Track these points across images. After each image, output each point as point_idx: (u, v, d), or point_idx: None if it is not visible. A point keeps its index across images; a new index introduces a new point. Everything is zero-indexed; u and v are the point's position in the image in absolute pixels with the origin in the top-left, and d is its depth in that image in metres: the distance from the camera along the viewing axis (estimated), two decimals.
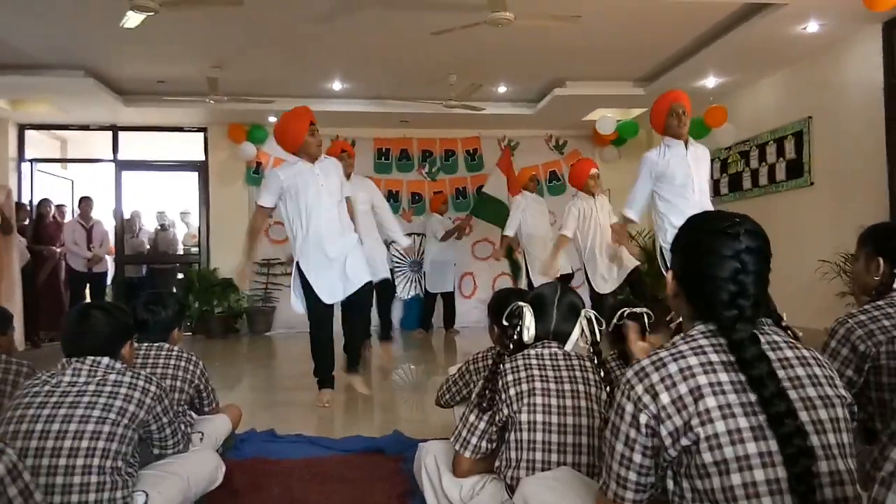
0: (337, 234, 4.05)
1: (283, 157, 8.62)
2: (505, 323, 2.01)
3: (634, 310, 2.42)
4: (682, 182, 4.12)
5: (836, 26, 5.57)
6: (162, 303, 2.62)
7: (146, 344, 2.53)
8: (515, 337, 1.95)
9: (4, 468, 1.30)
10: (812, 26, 5.55)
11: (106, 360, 1.92)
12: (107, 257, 8.30)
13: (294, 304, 4.19)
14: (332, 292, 4.05)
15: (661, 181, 4.20)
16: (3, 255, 4.52)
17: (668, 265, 1.38)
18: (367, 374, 5.07)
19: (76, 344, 1.93)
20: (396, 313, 8.47)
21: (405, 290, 8.92)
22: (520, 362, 1.87)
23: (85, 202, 8.05)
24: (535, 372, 1.84)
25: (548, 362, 1.87)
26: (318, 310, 4.07)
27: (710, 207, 4.02)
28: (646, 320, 2.40)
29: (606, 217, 5.78)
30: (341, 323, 4.31)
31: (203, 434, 2.48)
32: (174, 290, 9.11)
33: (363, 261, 4.19)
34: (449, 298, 8.17)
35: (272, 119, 8.43)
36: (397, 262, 8.77)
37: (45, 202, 8.04)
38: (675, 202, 4.13)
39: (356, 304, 4.15)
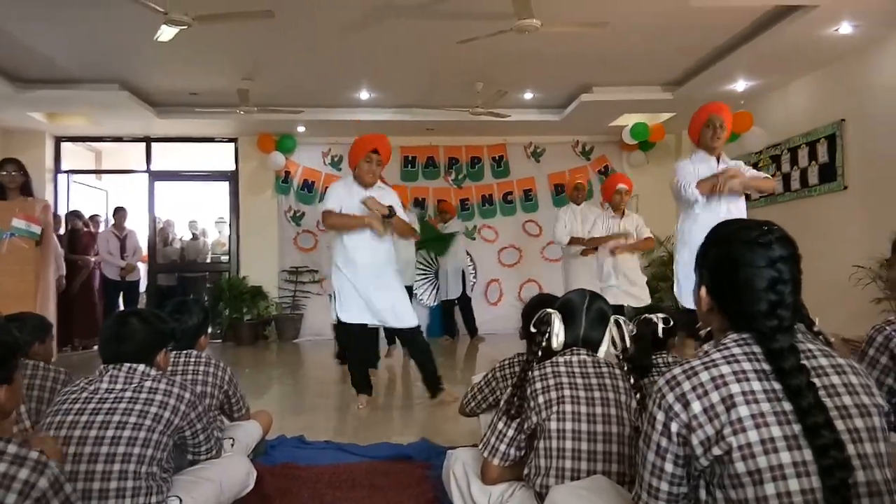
0: (378, 265, 4.19)
1: (312, 167, 8.90)
2: (533, 330, 2.00)
3: (650, 316, 2.39)
4: (710, 198, 3.92)
5: (870, 27, 5.46)
6: (188, 310, 2.67)
7: (174, 352, 2.58)
8: (544, 344, 1.94)
9: (47, 482, 1.33)
10: (845, 28, 5.45)
11: (142, 367, 1.95)
12: (140, 266, 8.46)
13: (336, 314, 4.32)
14: (360, 313, 4.21)
15: None
16: (40, 267, 4.65)
17: (699, 281, 1.35)
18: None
19: (113, 350, 1.97)
20: (422, 321, 8.48)
21: (430, 297, 8.93)
22: (548, 369, 1.86)
23: (119, 212, 8.22)
24: (564, 379, 1.83)
25: (577, 369, 1.86)
26: (351, 326, 4.27)
27: (740, 215, 3.89)
28: (660, 327, 2.37)
29: (632, 237, 5.62)
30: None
31: (234, 440, 2.52)
32: (205, 297, 9.27)
33: (405, 304, 4.30)
34: (464, 304, 8.11)
35: (301, 129, 8.55)
36: (422, 270, 8.79)
37: (73, 214, 8.22)
38: (700, 219, 3.90)
39: (405, 336, 4.47)
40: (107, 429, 1.81)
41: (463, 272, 8.10)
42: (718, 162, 4.00)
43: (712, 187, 3.83)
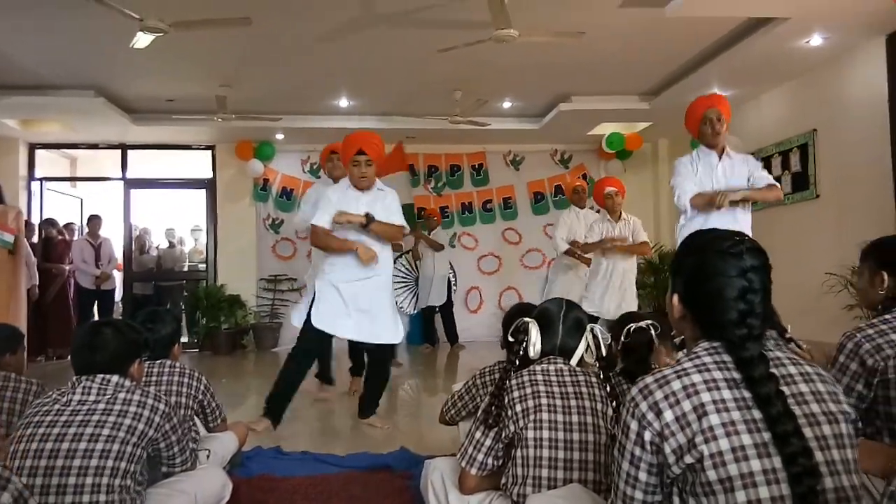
0: (364, 280, 3.78)
1: (291, 175, 8.85)
2: (511, 339, 2.01)
3: (640, 324, 2.40)
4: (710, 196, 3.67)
5: (840, 40, 5.58)
6: (160, 320, 2.64)
7: (148, 362, 2.55)
8: (521, 353, 1.96)
9: (10, 497, 1.30)
10: (816, 40, 5.57)
11: (116, 378, 1.93)
12: (115, 275, 8.35)
13: (293, 318, 4.05)
14: (334, 324, 3.77)
15: None
16: (11, 276, 4.57)
17: (672, 289, 1.37)
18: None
19: (86, 360, 1.94)
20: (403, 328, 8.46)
21: (410, 304, 8.91)
22: (526, 378, 1.87)
23: (93, 220, 8.11)
24: (542, 388, 1.84)
25: (554, 378, 1.88)
26: (311, 331, 3.76)
27: (746, 225, 3.67)
28: (653, 333, 2.38)
29: (627, 241, 5.38)
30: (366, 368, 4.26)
31: (210, 451, 2.49)
32: (182, 306, 9.17)
33: (393, 317, 3.91)
34: (445, 312, 8.10)
35: (280, 136, 8.51)
36: (402, 277, 8.77)
37: (47, 222, 8.10)
38: (700, 218, 3.69)
39: (377, 355, 4.07)
40: (79, 441, 1.78)
41: (449, 279, 8.11)
42: (721, 157, 3.75)
43: (708, 203, 3.62)
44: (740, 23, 5.50)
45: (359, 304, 3.78)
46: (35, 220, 8.32)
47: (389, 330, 3.87)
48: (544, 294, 6.40)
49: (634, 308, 5.34)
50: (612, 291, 5.38)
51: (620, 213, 5.49)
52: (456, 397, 2.72)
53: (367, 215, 3.73)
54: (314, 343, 3.86)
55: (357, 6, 5.03)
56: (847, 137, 6.03)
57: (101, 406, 1.86)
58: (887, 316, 1.98)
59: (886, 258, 2.06)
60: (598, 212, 6.03)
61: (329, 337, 3.92)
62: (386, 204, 3.86)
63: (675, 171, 3.84)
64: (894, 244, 2.12)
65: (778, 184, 3.85)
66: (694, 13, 4.88)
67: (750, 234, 3.49)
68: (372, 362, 4.17)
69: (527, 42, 4.88)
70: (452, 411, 2.72)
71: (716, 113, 3.68)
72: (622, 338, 2.38)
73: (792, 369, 1.24)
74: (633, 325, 2.39)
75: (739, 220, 3.67)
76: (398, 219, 3.86)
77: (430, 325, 8.17)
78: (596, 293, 5.42)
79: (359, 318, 3.80)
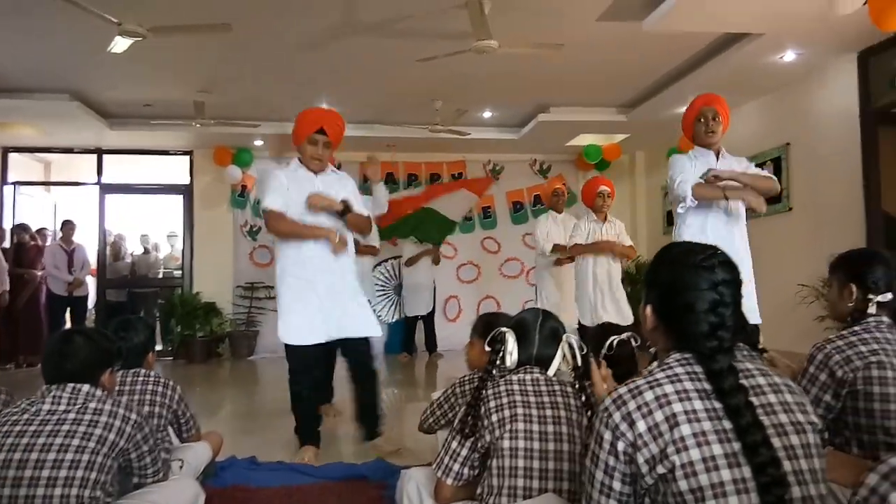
0: (325, 271, 3.41)
1: None
2: (487, 348, 2.02)
3: (622, 337, 2.41)
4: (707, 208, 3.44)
5: (813, 56, 5.71)
6: (133, 328, 2.61)
7: (122, 371, 2.52)
8: (498, 362, 1.96)
9: None
10: (789, 56, 5.68)
11: (86, 387, 1.90)
12: (88, 281, 8.22)
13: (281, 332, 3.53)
14: (312, 332, 3.40)
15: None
16: None
17: (645, 300, 1.39)
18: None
19: (56, 368, 1.92)
20: (380, 337, 8.44)
21: (389, 313, 8.90)
22: (502, 388, 1.87)
23: (67, 226, 7.99)
24: (518, 398, 1.84)
25: (530, 388, 1.88)
26: (294, 351, 3.42)
27: (742, 234, 3.53)
28: (633, 345, 2.40)
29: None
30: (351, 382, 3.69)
31: (183, 461, 2.46)
32: (156, 313, 9.05)
33: (363, 310, 3.54)
34: (428, 321, 8.09)
35: (258, 143, 8.47)
36: (381, 285, 8.76)
37: (19, 227, 7.97)
38: (697, 225, 3.45)
39: (355, 356, 3.57)
40: (48, 452, 1.75)
41: (434, 287, 8.12)
42: (718, 158, 3.53)
43: (712, 194, 3.35)
44: (716, 38, 5.60)
45: (332, 299, 3.41)
46: (7, 225, 8.17)
47: (367, 323, 3.51)
48: (538, 299, 6.23)
49: (629, 311, 5.23)
50: (609, 296, 5.22)
51: (606, 214, 5.37)
52: (435, 406, 2.71)
53: (345, 202, 3.41)
54: (302, 359, 3.45)
55: (338, 15, 5.03)
56: (819, 151, 6.15)
57: (71, 416, 1.83)
58: (856, 328, 2.03)
59: (855, 271, 2.10)
60: (576, 216, 5.92)
61: (315, 348, 3.46)
62: (348, 189, 3.51)
63: (672, 165, 3.56)
64: (862, 257, 2.16)
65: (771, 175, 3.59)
66: (670, 28, 4.96)
67: (747, 246, 3.53)
68: (354, 368, 3.62)
69: (507, 53, 4.92)
70: (431, 419, 2.72)
71: (712, 111, 3.50)
72: (605, 350, 2.39)
73: (761, 380, 1.26)
74: (615, 338, 2.40)
75: (735, 234, 3.50)
76: (365, 210, 3.57)
77: (412, 334, 8.15)
78: (598, 301, 5.20)
79: (332, 316, 3.41)
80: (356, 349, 3.56)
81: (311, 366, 3.51)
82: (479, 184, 9.19)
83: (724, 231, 3.44)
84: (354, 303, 3.51)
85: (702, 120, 3.52)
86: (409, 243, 8.11)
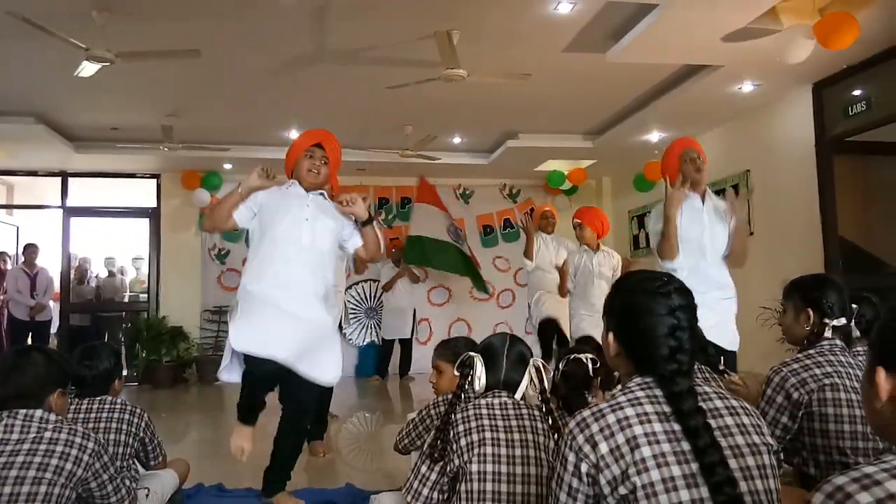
0: (301, 302, 2.94)
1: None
2: (456, 373, 2.04)
3: (580, 356, 2.47)
4: (697, 242, 3.36)
5: (770, 87, 5.92)
6: (97, 355, 2.56)
7: (88, 399, 2.48)
8: (466, 387, 1.99)
9: None
10: (747, 86, 5.89)
11: (39, 413, 1.85)
12: (51, 305, 8.04)
13: (225, 372, 3.04)
14: (265, 341, 2.84)
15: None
16: None
17: (606, 327, 1.44)
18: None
19: (5, 385, 1.86)
20: (351, 360, 8.39)
21: (360, 336, 8.87)
22: (471, 412, 1.90)
23: (30, 249, 7.83)
24: (486, 422, 1.87)
25: (498, 412, 1.91)
26: (254, 362, 2.88)
27: (727, 280, 3.51)
28: (590, 367, 2.45)
29: (607, 274, 5.13)
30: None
31: (149, 490, 2.43)
32: (122, 337, 8.88)
33: (331, 356, 3.05)
34: (406, 345, 8.14)
35: (227, 166, 8.43)
36: (352, 308, 8.73)
37: None
38: (685, 267, 3.29)
39: (297, 393, 3.01)
40: (3, 485, 1.70)
41: (414, 310, 8.19)
42: (703, 201, 3.44)
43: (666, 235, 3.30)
44: (677, 69, 5.78)
45: (299, 325, 2.91)
46: None
47: (335, 366, 3.05)
48: (535, 313, 5.98)
49: None
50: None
51: (599, 245, 5.28)
52: (410, 426, 2.71)
53: (370, 209, 3.09)
54: (261, 375, 2.89)
55: (307, 42, 5.08)
56: (778, 178, 6.35)
57: (26, 446, 1.78)
58: (811, 351, 2.09)
59: (811, 297, 2.16)
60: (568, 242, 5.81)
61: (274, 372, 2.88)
62: (341, 219, 3.10)
63: (653, 216, 3.49)
64: (817, 283, 2.23)
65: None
66: (632, 59, 5.11)
67: (732, 288, 3.54)
68: (288, 410, 3.09)
69: (475, 82, 5.02)
70: (406, 440, 2.71)
71: (696, 152, 3.44)
72: (561, 364, 2.44)
73: (718, 403, 1.31)
74: (571, 355, 2.45)
75: (724, 283, 3.49)
76: (358, 240, 3.13)
77: (388, 358, 8.14)
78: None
79: (294, 340, 2.89)
80: (304, 390, 3.01)
81: (263, 377, 2.91)
82: (430, 194, 9.15)
83: (703, 278, 3.29)
84: (327, 341, 3.04)
85: (689, 161, 3.41)
86: (386, 267, 8.16)
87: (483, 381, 2.00)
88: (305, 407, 3.10)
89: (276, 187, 3.10)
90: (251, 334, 2.85)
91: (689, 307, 1.34)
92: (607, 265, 5.20)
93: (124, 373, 7.92)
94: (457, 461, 1.82)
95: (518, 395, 2.00)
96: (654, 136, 7.44)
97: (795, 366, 2.06)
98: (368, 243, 3.09)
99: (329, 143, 3.17)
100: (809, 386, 2.00)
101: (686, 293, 1.35)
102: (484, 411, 1.90)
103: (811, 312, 2.15)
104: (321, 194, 3.13)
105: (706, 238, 3.37)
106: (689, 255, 3.32)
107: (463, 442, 1.83)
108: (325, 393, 3.63)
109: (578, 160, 8.62)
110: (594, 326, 4.89)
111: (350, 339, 8.47)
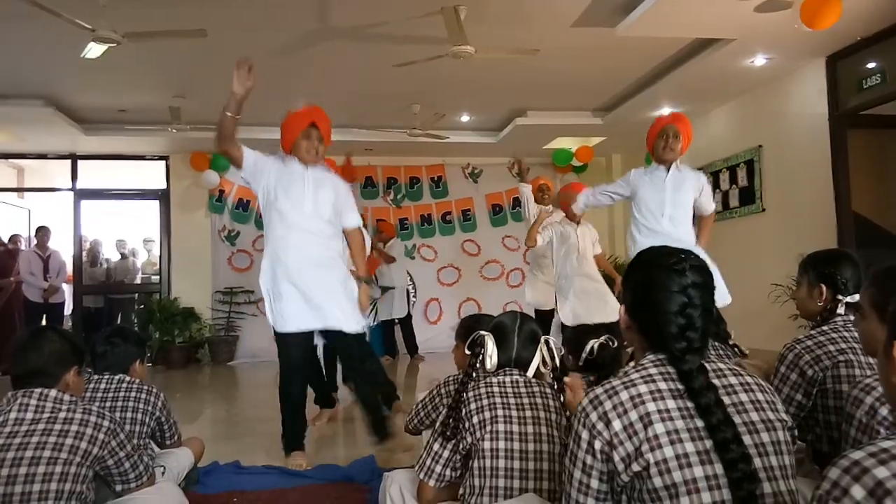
0: (311, 262, 3.31)
1: (247, 186, 8.73)
2: (468, 352, 2.05)
3: (601, 340, 2.45)
4: (652, 208, 3.86)
5: (783, 60, 5.83)
6: (122, 335, 2.62)
7: (107, 376, 2.51)
8: (478, 365, 1.99)
9: None
10: (759, 60, 5.80)
11: (53, 392, 1.85)
12: (64, 287, 8.12)
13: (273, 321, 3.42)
14: (297, 319, 3.30)
15: (634, 202, 3.98)
16: None
17: (621, 300, 1.44)
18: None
19: (22, 362, 1.88)
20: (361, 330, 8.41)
21: (369, 317, 8.90)
22: (482, 390, 1.90)
23: (42, 232, 7.89)
24: (498, 399, 1.87)
25: (510, 390, 1.91)
26: (286, 344, 3.35)
27: (686, 239, 3.79)
28: (612, 346, 2.44)
29: (588, 246, 5.30)
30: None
31: (165, 468, 2.46)
32: (134, 319, 8.96)
33: (350, 305, 3.41)
34: (405, 323, 8.11)
35: None
36: None
37: None
38: (644, 228, 3.89)
39: (345, 349, 3.48)
40: (19, 466, 1.71)
41: (407, 291, 8.15)
42: (668, 171, 3.87)
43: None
44: (688, 43, 5.70)
45: (315, 289, 3.30)
46: None
47: (355, 316, 3.41)
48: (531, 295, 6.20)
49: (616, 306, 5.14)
50: (598, 295, 5.18)
51: (580, 220, 5.31)
52: (419, 406, 2.73)
53: (362, 279, 3.54)
54: (294, 354, 3.39)
55: (314, 20, 5.04)
56: (790, 153, 6.28)
57: (41, 426, 1.78)
58: (825, 328, 2.07)
59: (825, 272, 2.13)
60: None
61: (306, 341, 3.45)
62: (340, 190, 3.49)
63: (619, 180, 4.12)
64: (832, 258, 2.19)
65: (714, 210, 4.16)
66: (642, 33, 5.04)
67: (693, 244, 3.73)
68: (347, 364, 3.66)
69: (483, 58, 4.97)
70: (416, 420, 2.73)
71: (673, 129, 3.81)
72: (585, 355, 2.42)
73: (733, 380, 1.30)
74: (595, 342, 2.43)
75: (684, 240, 3.76)
76: (354, 216, 3.55)
77: (391, 338, 8.18)
78: (591, 301, 5.13)
79: (317, 306, 3.31)
80: (347, 345, 3.45)
81: (300, 360, 3.44)
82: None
83: (671, 228, 3.84)
84: (341, 295, 3.38)
85: (663, 137, 3.82)
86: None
87: (494, 359, 2.00)
88: (358, 353, 3.49)
89: (279, 162, 3.43)
90: (284, 316, 3.29)
91: (704, 285, 1.32)
92: (589, 241, 5.33)
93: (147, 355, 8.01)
94: (469, 439, 1.83)
95: (530, 373, 2.01)
96: (665, 112, 7.34)
97: (809, 343, 2.04)
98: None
99: (322, 123, 3.43)
100: (824, 363, 1.99)
101: (702, 271, 1.33)
102: (496, 389, 1.90)
103: (824, 288, 2.12)
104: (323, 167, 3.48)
105: (667, 204, 3.84)
106: (649, 218, 3.87)
107: (475, 420, 1.84)
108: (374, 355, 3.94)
109: (588, 137, 8.55)
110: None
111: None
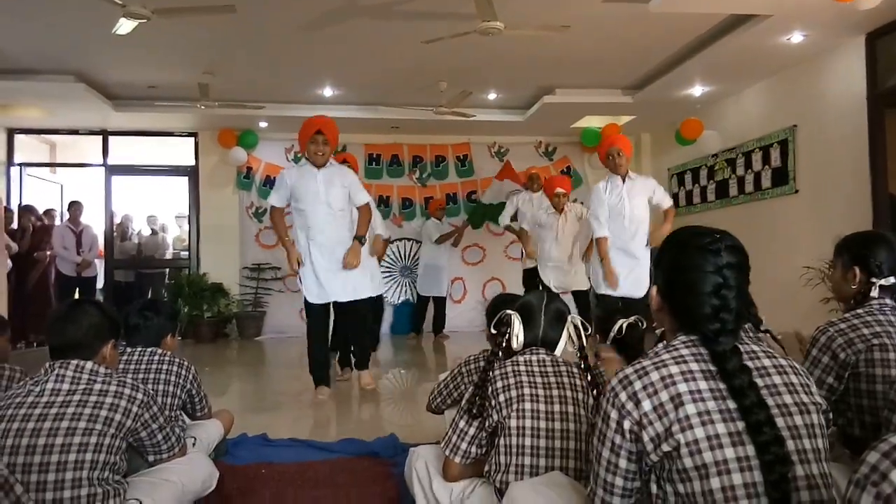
0: (334, 243, 4.40)
1: (274, 163, 8.82)
2: (494, 331, 2.05)
3: (630, 320, 2.44)
4: (617, 211, 4.86)
5: (820, 37, 5.66)
6: (155, 308, 2.67)
7: (139, 349, 2.56)
8: (504, 344, 1.99)
9: None
10: (796, 37, 5.64)
11: (89, 364, 1.89)
12: (96, 262, 8.28)
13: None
14: (320, 293, 4.45)
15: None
16: None
17: (653, 280, 1.42)
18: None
19: (60, 335, 1.91)
20: (386, 318, 8.50)
21: (395, 294, 8.96)
22: (509, 369, 1.90)
23: (74, 207, 8.03)
24: (524, 378, 1.88)
25: (536, 368, 1.91)
26: (312, 306, 4.52)
27: (642, 234, 4.89)
28: (641, 327, 2.43)
29: (570, 233, 6.30)
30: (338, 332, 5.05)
31: (196, 439, 2.51)
32: (164, 293, 9.12)
33: (365, 276, 4.57)
34: (440, 303, 8.21)
35: (263, 125, 8.47)
36: (388, 267, 8.80)
37: (26, 209, 7.99)
38: (611, 228, 4.88)
39: (352, 311, 4.62)
40: (55, 436, 1.75)
41: (447, 270, 8.25)
42: (624, 181, 4.89)
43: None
44: (723, 19, 5.56)
45: (329, 272, 4.40)
46: (14, 207, 8.21)
47: (366, 286, 4.55)
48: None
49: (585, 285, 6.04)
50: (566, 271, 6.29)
51: (563, 209, 6.31)
52: (441, 386, 2.75)
53: (356, 238, 4.46)
54: (317, 316, 4.53)
55: None
56: (826, 133, 6.12)
57: (77, 398, 1.81)
58: (859, 310, 2.03)
59: (859, 254, 2.09)
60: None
61: (326, 310, 4.60)
62: (347, 181, 4.46)
63: (592, 199, 5.04)
64: (867, 240, 2.15)
65: (672, 203, 5.22)
66: (677, 9, 4.93)
67: (645, 249, 4.86)
68: (350, 324, 4.81)
69: (512, 35, 4.90)
70: (438, 399, 2.75)
71: (616, 149, 4.88)
72: (614, 334, 2.41)
73: (766, 362, 1.28)
74: (624, 322, 2.41)
75: (640, 259, 4.87)
76: (363, 195, 4.53)
77: (422, 315, 8.24)
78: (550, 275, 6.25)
79: (339, 280, 4.41)
80: (356, 311, 4.63)
81: (318, 319, 4.56)
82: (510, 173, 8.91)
83: (628, 261, 4.89)
84: (358, 270, 4.44)
85: (610, 157, 4.91)
86: (429, 223, 8.16)
87: (521, 338, 2.00)
88: (361, 316, 4.69)
89: (296, 168, 4.55)
90: (314, 289, 4.46)
91: (739, 266, 1.30)
92: (574, 219, 6.36)
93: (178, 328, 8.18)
94: (495, 417, 1.84)
95: (557, 353, 2.00)
96: (697, 90, 7.21)
97: (843, 325, 2.01)
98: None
99: (326, 129, 4.38)
100: (857, 346, 1.96)
101: (738, 252, 1.31)
102: (522, 368, 1.90)
103: (857, 270, 2.08)
104: (331, 165, 4.48)
105: (626, 206, 4.85)
106: (613, 220, 4.88)
107: (501, 398, 1.84)
108: (370, 325, 5.42)
109: (617, 116, 8.42)
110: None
111: (385, 298, 8.56)
